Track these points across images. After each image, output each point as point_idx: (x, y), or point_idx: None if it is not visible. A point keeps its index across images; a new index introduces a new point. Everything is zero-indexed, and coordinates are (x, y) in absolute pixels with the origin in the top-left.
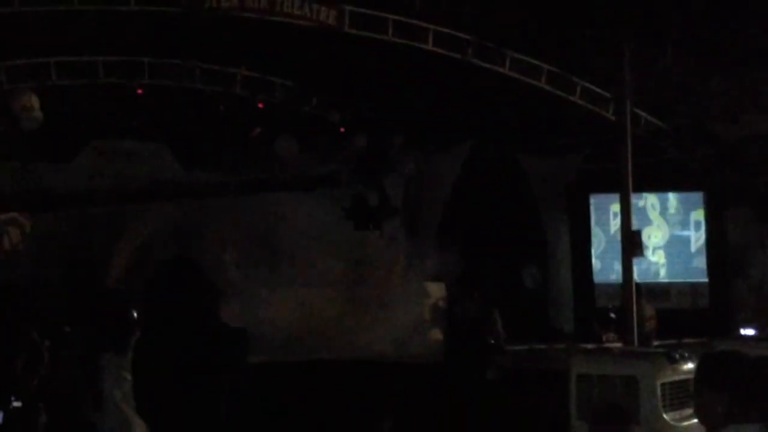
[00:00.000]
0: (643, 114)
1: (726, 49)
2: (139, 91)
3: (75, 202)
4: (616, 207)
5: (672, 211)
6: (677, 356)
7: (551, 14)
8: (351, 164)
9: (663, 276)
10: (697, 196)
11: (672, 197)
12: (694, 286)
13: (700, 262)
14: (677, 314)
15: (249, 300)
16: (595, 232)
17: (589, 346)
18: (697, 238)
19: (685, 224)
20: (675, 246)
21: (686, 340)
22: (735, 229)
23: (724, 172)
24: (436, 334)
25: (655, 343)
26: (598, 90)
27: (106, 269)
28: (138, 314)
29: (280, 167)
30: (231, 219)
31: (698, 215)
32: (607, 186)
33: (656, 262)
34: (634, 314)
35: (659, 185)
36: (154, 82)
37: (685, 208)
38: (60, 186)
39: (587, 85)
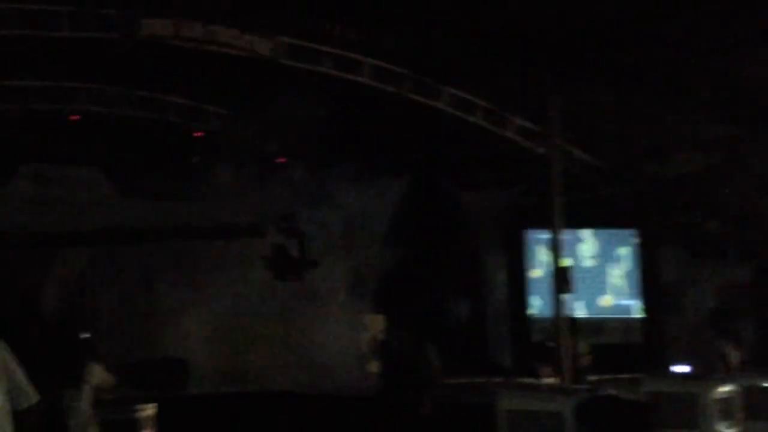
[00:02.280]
0: (576, 151)
1: (657, 88)
2: (74, 117)
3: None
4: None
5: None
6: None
7: (485, 50)
8: (274, 216)
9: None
10: (627, 234)
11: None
12: (627, 322)
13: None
14: (612, 350)
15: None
16: (530, 266)
17: (526, 380)
18: (620, 273)
19: (612, 260)
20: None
21: (621, 376)
22: (668, 266)
23: (656, 209)
24: (374, 367)
25: (590, 378)
26: (531, 126)
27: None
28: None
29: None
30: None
31: (622, 251)
32: (542, 221)
33: None
34: (568, 349)
35: (592, 222)
36: (88, 108)
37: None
38: None
39: (520, 121)
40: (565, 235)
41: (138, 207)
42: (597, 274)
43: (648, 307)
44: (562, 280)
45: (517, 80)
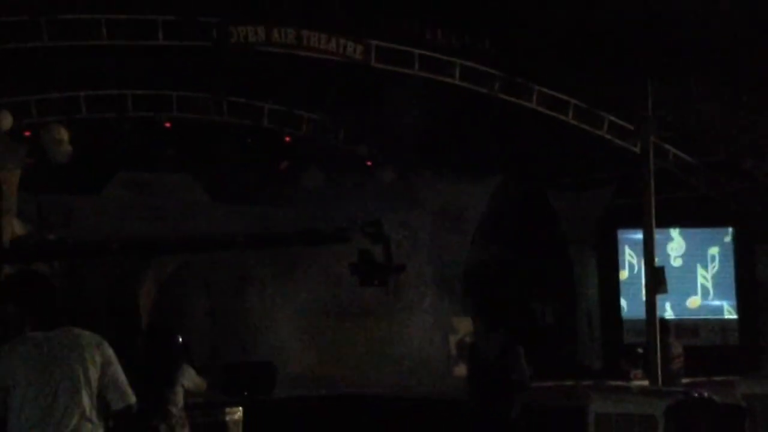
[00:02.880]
0: (672, 149)
1: (755, 85)
2: (167, 125)
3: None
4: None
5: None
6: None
7: (578, 48)
8: (360, 221)
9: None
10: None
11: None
12: (722, 323)
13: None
14: (706, 351)
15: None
16: (624, 267)
17: (616, 383)
18: (710, 273)
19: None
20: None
21: (715, 378)
22: (764, 265)
23: (753, 207)
24: (462, 370)
25: (684, 380)
26: (625, 124)
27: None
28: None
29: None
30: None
31: (713, 250)
32: (635, 221)
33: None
34: (658, 352)
35: (686, 220)
36: (181, 115)
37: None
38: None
39: (614, 119)
40: (658, 235)
41: (229, 212)
42: (685, 273)
43: (743, 307)
44: (656, 280)
45: (610, 77)
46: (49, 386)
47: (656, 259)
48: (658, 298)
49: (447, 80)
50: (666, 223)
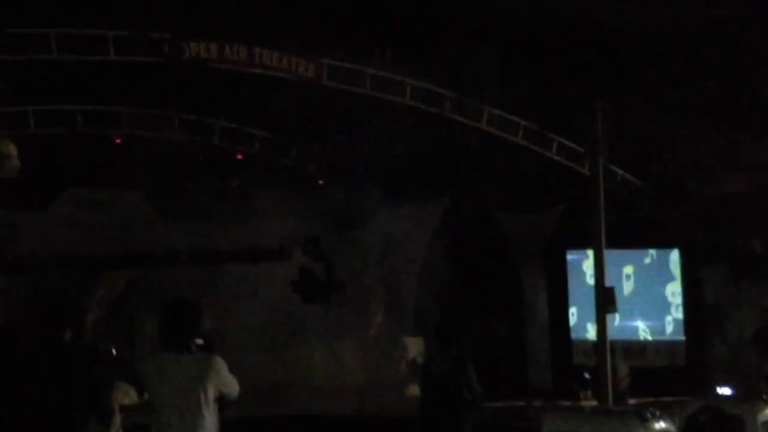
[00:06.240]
0: (620, 171)
1: (701, 108)
2: (118, 141)
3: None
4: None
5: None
6: (648, 415)
7: (527, 70)
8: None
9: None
10: (668, 254)
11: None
12: (670, 345)
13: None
14: (654, 372)
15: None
16: (572, 288)
17: (566, 403)
18: (660, 294)
19: (652, 281)
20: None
21: (663, 399)
22: (711, 287)
23: (700, 229)
24: (414, 390)
25: (631, 401)
26: (574, 146)
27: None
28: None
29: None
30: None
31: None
32: (584, 242)
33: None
34: (608, 372)
35: (634, 242)
36: (132, 131)
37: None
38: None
39: (563, 140)
40: (606, 256)
41: (179, 230)
42: (636, 295)
43: (691, 328)
44: (606, 300)
45: (559, 100)
46: None
47: (609, 281)
48: (611, 318)
49: (398, 99)
50: (616, 245)
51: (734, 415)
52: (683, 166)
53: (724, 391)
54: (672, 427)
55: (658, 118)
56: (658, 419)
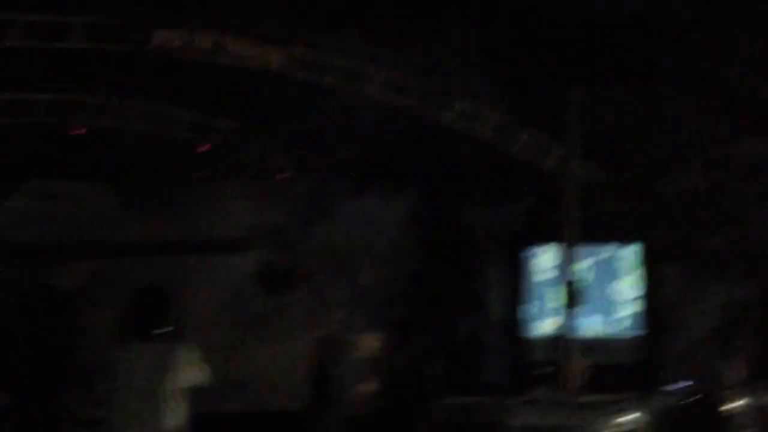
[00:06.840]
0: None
1: (664, 103)
2: (81, 131)
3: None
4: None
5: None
6: (613, 408)
7: (499, 61)
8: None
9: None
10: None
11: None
12: (627, 341)
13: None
14: (611, 369)
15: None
16: (531, 283)
17: (524, 398)
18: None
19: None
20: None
21: (621, 395)
22: (669, 284)
23: (660, 226)
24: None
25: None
26: (539, 140)
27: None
28: None
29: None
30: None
31: (621, 268)
32: (545, 237)
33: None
34: (565, 369)
35: (596, 237)
36: (95, 122)
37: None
38: None
39: (533, 133)
40: (567, 251)
41: (141, 222)
42: (594, 290)
43: (649, 324)
44: (569, 295)
45: (531, 91)
46: None
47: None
48: (569, 315)
49: (366, 91)
50: (578, 239)
51: (695, 408)
52: (647, 162)
53: (683, 385)
54: (640, 419)
55: (630, 112)
56: (625, 411)
